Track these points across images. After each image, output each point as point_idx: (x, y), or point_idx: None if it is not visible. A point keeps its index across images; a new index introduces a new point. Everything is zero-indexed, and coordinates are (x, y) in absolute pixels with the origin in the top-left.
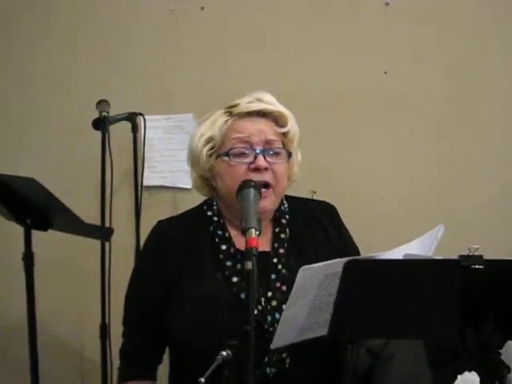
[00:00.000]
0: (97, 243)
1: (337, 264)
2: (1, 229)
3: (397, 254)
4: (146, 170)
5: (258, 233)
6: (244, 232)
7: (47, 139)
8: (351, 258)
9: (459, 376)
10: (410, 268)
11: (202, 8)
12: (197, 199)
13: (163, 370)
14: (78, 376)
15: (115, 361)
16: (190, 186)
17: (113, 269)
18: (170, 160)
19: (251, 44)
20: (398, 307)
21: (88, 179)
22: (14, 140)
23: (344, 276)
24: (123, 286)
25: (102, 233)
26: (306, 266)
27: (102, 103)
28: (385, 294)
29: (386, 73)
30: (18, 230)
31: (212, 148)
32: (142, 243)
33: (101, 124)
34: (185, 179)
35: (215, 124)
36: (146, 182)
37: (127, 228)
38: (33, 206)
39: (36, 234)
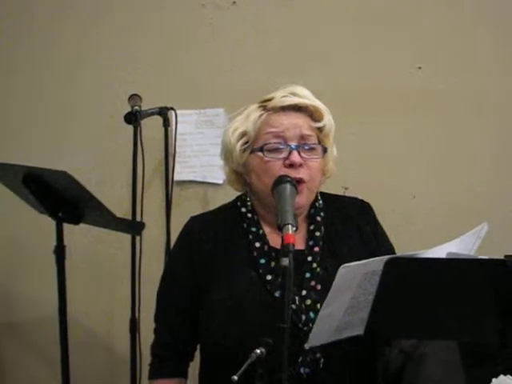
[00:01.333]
0: (127, 237)
1: (377, 262)
2: (33, 222)
3: (438, 252)
4: (177, 164)
5: (294, 229)
6: (280, 228)
7: (80, 133)
8: (392, 256)
9: (494, 379)
10: (454, 267)
11: (234, 2)
12: (227, 194)
13: (193, 367)
14: (108, 369)
15: (144, 355)
16: (220, 181)
17: (143, 263)
18: (200, 155)
19: (283, 39)
20: (437, 307)
21: (119, 173)
22: (46, 134)
23: (384, 274)
24: (153, 280)
25: (134, 227)
26: (346, 264)
27: (134, 98)
28: (425, 294)
29: (420, 68)
30: (50, 224)
31: (246, 143)
32: (172, 238)
33: (133, 118)
34: (216, 174)
35: (249, 118)
36: (176, 177)
37: (158, 222)
38: (65, 200)
39: (67, 228)
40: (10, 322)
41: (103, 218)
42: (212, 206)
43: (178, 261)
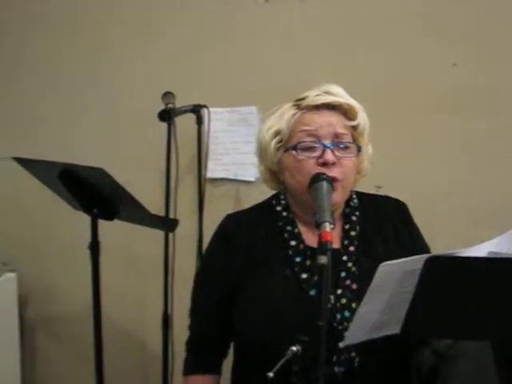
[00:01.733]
0: (160, 234)
1: (417, 261)
2: (68, 218)
3: (476, 252)
4: (209, 162)
5: (332, 227)
6: (318, 226)
7: (114, 130)
8: (432, 254)
9: None
10: (494, 267)
11: (267, 0)
12: (259, 192)
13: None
14: (140, 364)
15: (176, 351)
16: (253, 179)
17: (175, 259)
18: (233, 152)
19: (316, 36)
20: (477, 307)
21: (152, 170)
22: (81, 131)
23: (424, 273)
24: (185, 276)
25: (167, 224)
26: (386, 263)
27: (167, 95)
28: (465, 293)
29: (455, 65)
30: (85, 219)
31: (280, 141)
32: (204, 235)
33: (167, 116)
34: (248, 172)
35: (283, 117)
36: (209, 174)
37: (190, 219)
38: (100, 196)
39: (102, 224)
40: (46, 315)
41: (137, 214)
42: (244, 204)
43: (214, 258)
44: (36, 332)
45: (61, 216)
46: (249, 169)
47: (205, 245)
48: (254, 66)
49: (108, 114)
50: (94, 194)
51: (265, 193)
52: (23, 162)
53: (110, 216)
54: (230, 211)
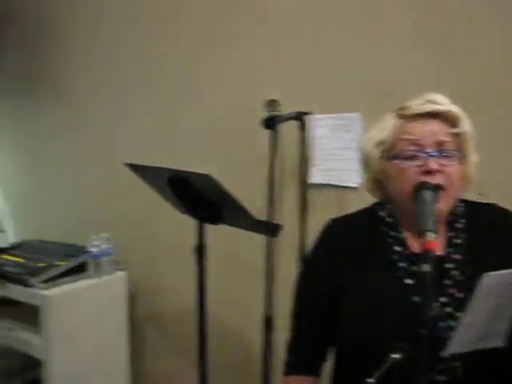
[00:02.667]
0: (262, 238)
1: None
2: (174, 221)
3: None
4: (312, 167)
5: (435, 236)
6: (420, 234)
7: (219, 136)
8: None
9: None
10: None
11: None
12: (362, 198)
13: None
14: (241, 362)
15: (277, 351)
16: (355, 185)
17: (277, 263)
18: (336, 158)
19: (417, 44)
20: None
21: (255, 175)
22: (187, 137)
23: None
24: (286, 280)
25: (271, 229)
26: (491, 273)
27: (272, 103)
28: None
29: None
30: (190, 223)
31: (383, 150)
32: (306, 239)
33: (271, 123)
34: (350, 178)
35: (386, 126)
36: (312, 180)
37: (292, 224)
38: (207, 201)
39: (206, 227)
40: (154, 312)
41: (242, 219)
42: (346, 209)
43: (317, 260)
44: (144, 328)
45: (167, 219)
46: (351, 175)
47: (307, 250)
48: (357, 72)
49: (213, 121)
50: (201, 199)
51: (367, 199)
52: (135, 168)
53: (215, 220)
54: (332, 216)
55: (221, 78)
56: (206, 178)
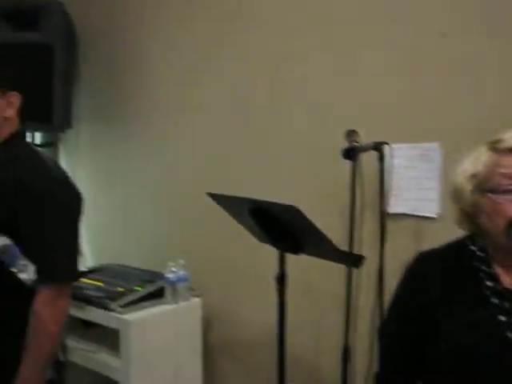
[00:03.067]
0: (341, 266)
1: None
2: (252, 249)
3: None
4: (391, 197)
5: None
6: None
7: (299, 167)
8: None
9: None
10: None
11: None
12: (441, 228)
13: None
14: None
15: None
16: (434, 215)
17: (355, 294)
18: (414, 188)
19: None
20: None
21: (334, 205)
22: (271, 166)
23: None
24: (363, 310)
25: (353, 260)
26: None
27: (351, 133)
28: None
29: None
30: (267, 251)
31: (476, 184)
32: (385, 270)
33: (351, 153)
34: (430, 208)
35: (479, 160)
36: (390, 210)
37: (371, 254)
38: (290, 232)
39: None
40: (229, 339)
41: (324, 249)
42: (425, 240)
43: (407, 295)
44: (217, 354)
45: (244, 246)
46: (430, 205)
47: (386, 279)
48: (436, 102)
49: (292, 152)
50: (283, 229)
51: (448, 230)
52: (216, 197)
53: (296, 250)
54: (411, 247)
55: (300, 111)
56: (291, 209)
